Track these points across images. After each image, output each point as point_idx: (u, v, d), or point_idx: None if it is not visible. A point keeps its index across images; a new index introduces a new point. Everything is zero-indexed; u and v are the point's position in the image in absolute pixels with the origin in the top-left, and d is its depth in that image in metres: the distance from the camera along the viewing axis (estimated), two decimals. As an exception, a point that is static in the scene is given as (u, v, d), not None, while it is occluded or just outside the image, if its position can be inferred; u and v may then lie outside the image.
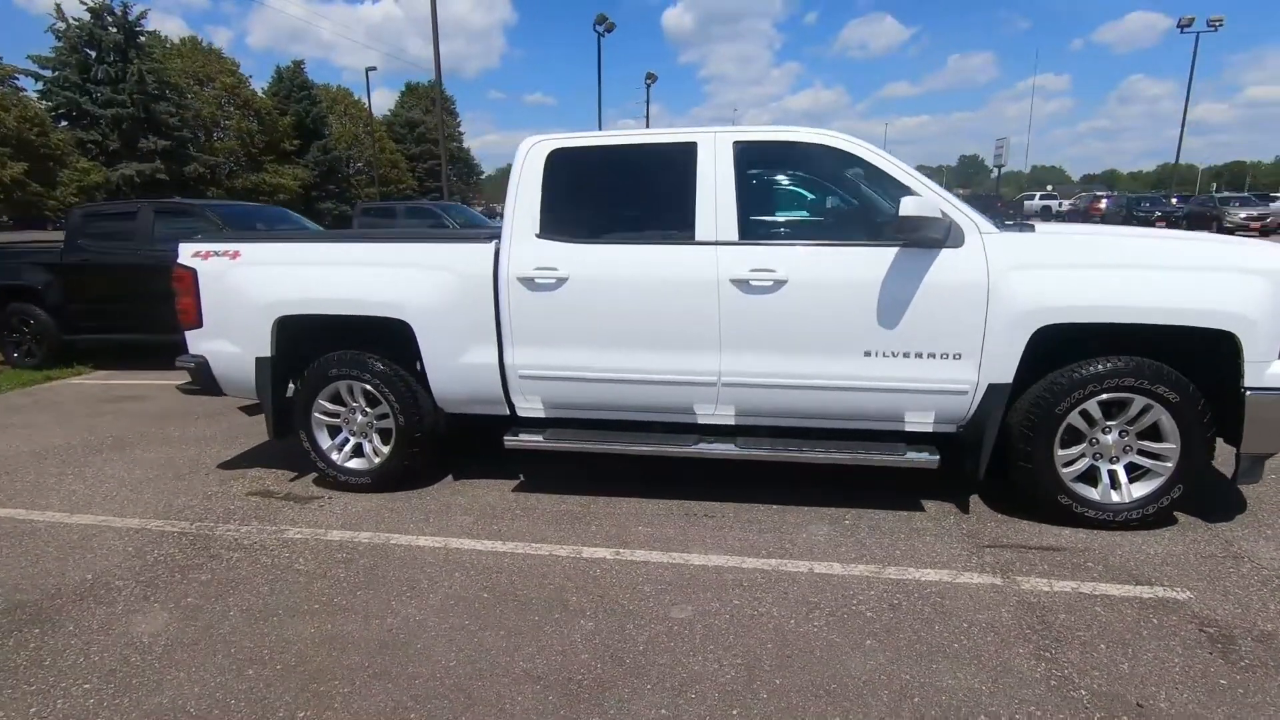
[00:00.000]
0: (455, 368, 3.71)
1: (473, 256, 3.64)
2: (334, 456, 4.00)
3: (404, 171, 50.40)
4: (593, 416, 3.76)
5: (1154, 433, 3.19)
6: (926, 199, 3.10)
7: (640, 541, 3.30)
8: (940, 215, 3.11)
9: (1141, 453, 3.23)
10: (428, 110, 53.66)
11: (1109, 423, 3.22)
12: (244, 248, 3.92)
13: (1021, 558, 3.04)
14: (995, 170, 38.80)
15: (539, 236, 3.58)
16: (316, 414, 3.97)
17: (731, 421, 3.59)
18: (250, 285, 3.87)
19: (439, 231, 4.28)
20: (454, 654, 2.49)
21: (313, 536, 3.45)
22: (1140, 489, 3.23)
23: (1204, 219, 24.85)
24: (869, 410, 3.42)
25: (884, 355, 3.30)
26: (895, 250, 3.24)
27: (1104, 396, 3.15)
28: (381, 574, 3.07)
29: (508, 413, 3.83)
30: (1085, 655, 2.37)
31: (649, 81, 38.79)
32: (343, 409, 3.97)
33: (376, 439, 3.98)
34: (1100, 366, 3.12)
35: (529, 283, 3.55)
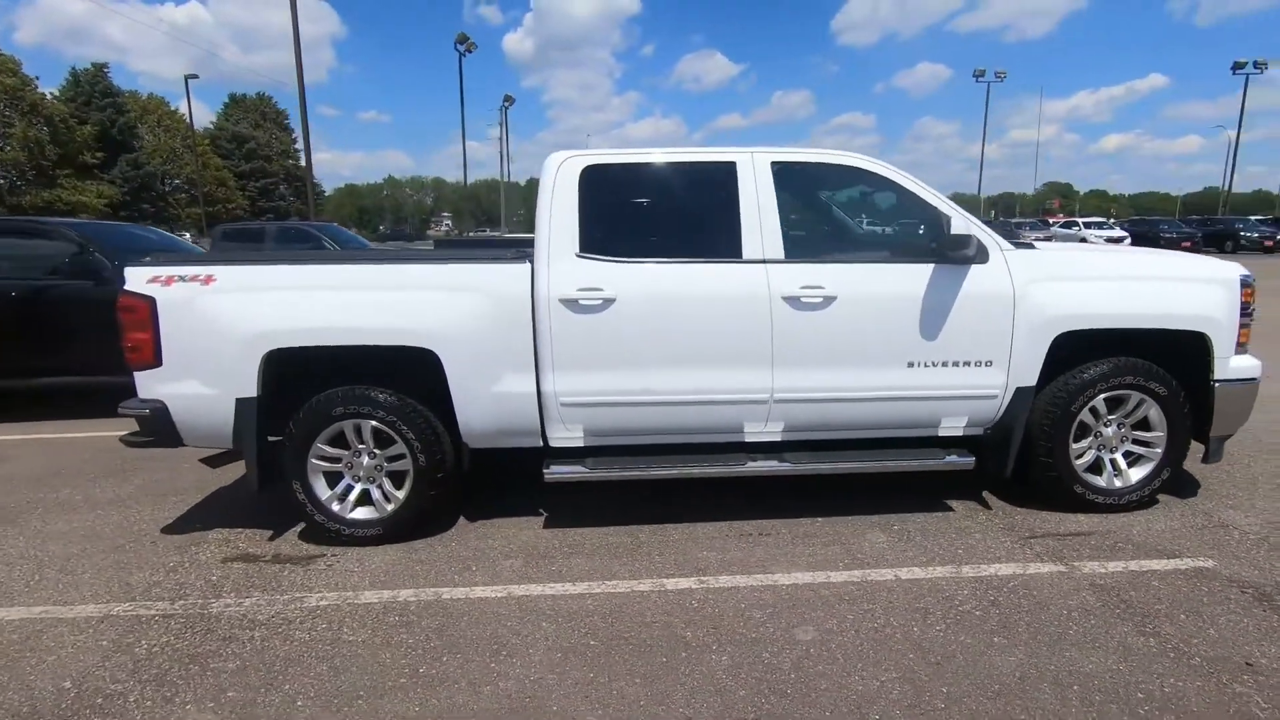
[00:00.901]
0: (487, 399, 3.41)
1: (507, 277, 3.38)
2: (335, 507, 3.51)
3: (233, 190, 45.74)
4: (633, 442, 3.62)
5: (1144, 424, 3.64)
6: (965, 219, 3.34)
7: (715, 567, 3.21)
8: (977, 234, 3.37)
9: (1135, 442, 3.67)
10: (258, 124, 49.37)
11: (1109, 416, 3.63)
12: (220, 271, 3.36)
13: (1064, 545, 3.33)
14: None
15: (579, 255, 3.41)
16: (314, 459, 3.47)
17: (778, 438, 3.61)
18: (230, 315, 3.32)
19: (458, 252, 3.92)
20: (602, 711, 2.26)
21: (343, 601, 3.00)
22: (1136, 474, 3.67)
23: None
24: (910, 419, 3.60)
25: (925, 365, 3.49)
26: (931, 267, 3.46)
27: (1108, 394, 3.55)
28: (457, 634, 2.73)
29: (540, 444, 3.58)
30: (1177, 626, 2.63)
31: (506, 104, 38.45)
32: (345, 452, 3.50)
33: (387, 483, 3.55)
34: (1105, 366, 3.51)
35: (572, 304, 3.36)
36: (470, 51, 27.96)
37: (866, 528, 3.57)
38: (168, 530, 3.80)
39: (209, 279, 3.34)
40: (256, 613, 2.93)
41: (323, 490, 3.50)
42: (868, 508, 3.77)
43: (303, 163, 54.34)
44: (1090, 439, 3.64)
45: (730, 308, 3.41)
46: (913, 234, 3.60)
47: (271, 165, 48.81)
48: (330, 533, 3.51)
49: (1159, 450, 3.63)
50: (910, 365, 3.49)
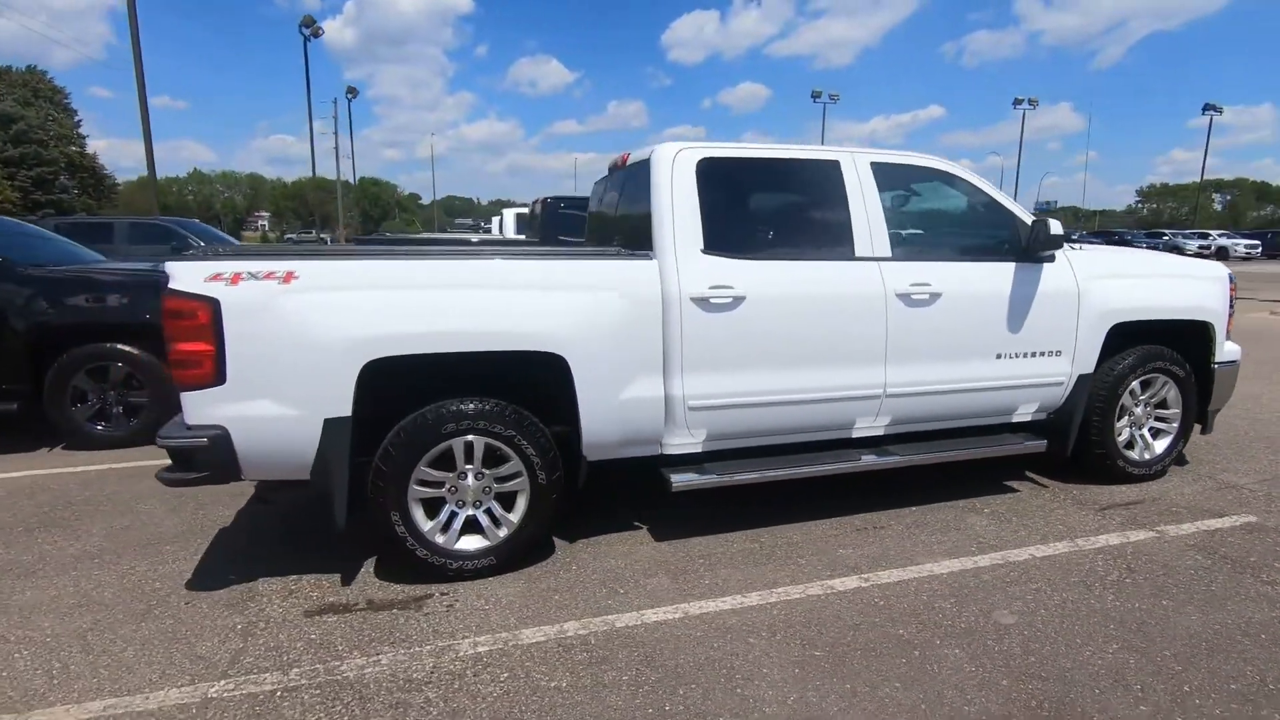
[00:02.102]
0: (615, 406, 3.15)
1: (639, 275, 3.15)
2: (439, 539, 3.05)
3: (-2, 179, 38.07)
4: (748, 445, 3.52)
5: (1163, 403, 4.18)
6: (1057, 223, 3.64)
7: (864, 563, 3.20)
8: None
9: (1157, 419, 4.20)
10: (27, 103, 41.70)
11: (1141, 397, 4.12)
12: (304, 267, 2.79)
13: (1133, 513, 3.73)
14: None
15: (705, 252, 3.26)
16: (415, 485, 2.99)
17: (881, 432, 3.69)
18: (320, 319, 2.78)
19: (580, 248, 3.55)
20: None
21: (506, 644, 2.61)
22: (1159, 446, 4.20)
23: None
24: (994, 407, 3.84)
25: (1011, 356, 3.74)
26: (1013, 265, 3.72)
27: (1143, 378, 4.03)
28: (669, 664, 2.48)
29: (658, 452, 3.37)
30: (1281, 573, 3.05)
31: (350, 96, 35.72)
32: (448, 475, 3.06)
33: (497, 507, 3.15)
34: (1140, 353, 3.98)
35: (704, 303, 3.21)
36: (317, 36, 25.53)
37: (960, 513, 3.76)
38: (194, 587, 3.09)
39: (289, 276, 2.77)
40: (407, 670, 2.47)
41: (423, 520, 3.04)
42: (942, 495, 3.96)
43: (89, 149, 46.65)
44: (1126, 418, 4.11)
45: (850, 305, 3.44)
46: (992, 234, 3.84)
47: (48, 151, 41.25)
48: (433, 568, 3.05)
49: (1175, 425, 4.19)
50: (999, 357, 3.72)
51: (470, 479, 3.09)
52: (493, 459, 3.09)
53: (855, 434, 3.64)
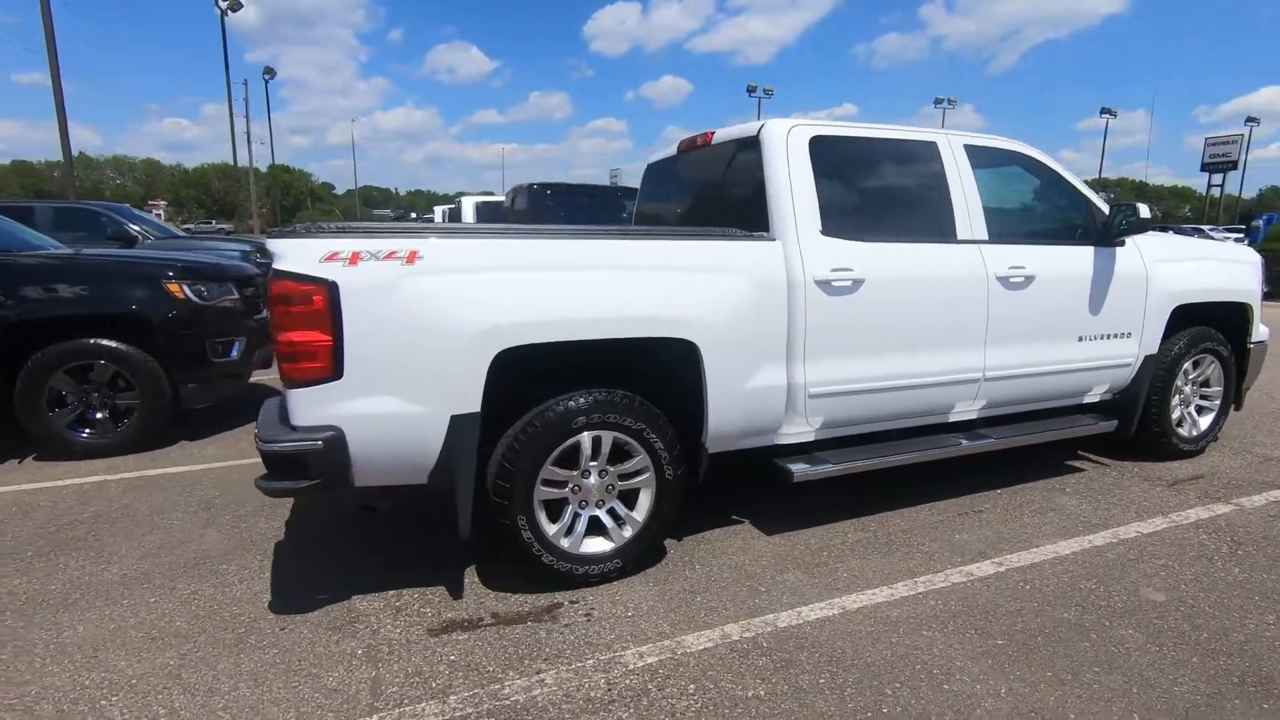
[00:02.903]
0: (741, 394, 2.99)
1: (766, 257, 3.00)
2: (564, 543, 2.82)
3: None
4: (855, 432, 3.43)
5: (1206, 382, 4.38)
6: (1144, 206, 3.71)
7: (988, 548, 3.18)
8: (1137, 219, 3.77)
9: (1201, 397, 4.40)
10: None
11: (1191, 375, 4.30)
12: (427, 246, 2.49)
13: (1200, 488, 3.88)
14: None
15: (823, 234, 3.13)
16: (541, 485, 2.74)
17: (975, 415, 3.68)
18: (449, 304, 2.49)
19: (695, 229, 3.30)
20: (1124, 703, 2.13)
21: (674, 654, 2.42)
22: (1204, 422, 4.40)
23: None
24: (1073, 388, 3.90)
25: (1090, 339, 3.81)
26: (1091, 249, 3.79)
27: (1195, 358, 4.20)
28: (855, 662, 2.36)
29: (772, 442, 3.24)
30: (1368, 538, 3.23)
31: (267, 77, 33.54)
32: (572, 473, 2.82)
33: (620, 505, 2.93)
34: (1191, 334, 4.14)
35: (826, 286, 3.09)
36: (235, 9, 23.65)
37: (1046, 494, 3.81)
38: (282, 609, 2.73)
39: (412, 256, 2.46)
40: (581, 690, 2.24)
41: (547, 524, 2.79)
42: (1017, 477, 4.02)
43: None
44: (1178, 397, 4.28)
45: (957, 289, 3.40)
46: (1071, 217, 3.89)
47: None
48: (560, 575, 2.81)
49: (1217, 403, 4.40)
50: (1080, 339, 3.79)
51: (594, 477, 2.86)
52: (617, 455, 2.87)
53: (953, 418, 3.62)
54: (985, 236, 3.50)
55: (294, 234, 2.41)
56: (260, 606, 2.74)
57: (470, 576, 2.97)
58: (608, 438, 2.81)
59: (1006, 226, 3.70)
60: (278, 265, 2.36)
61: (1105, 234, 3.79)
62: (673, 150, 4.12)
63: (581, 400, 2.72)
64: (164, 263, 4.86)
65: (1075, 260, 3.73)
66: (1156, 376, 4.09)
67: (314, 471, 2.43)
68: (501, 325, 2.53)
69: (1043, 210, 4.04)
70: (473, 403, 2.53)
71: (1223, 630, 2.53)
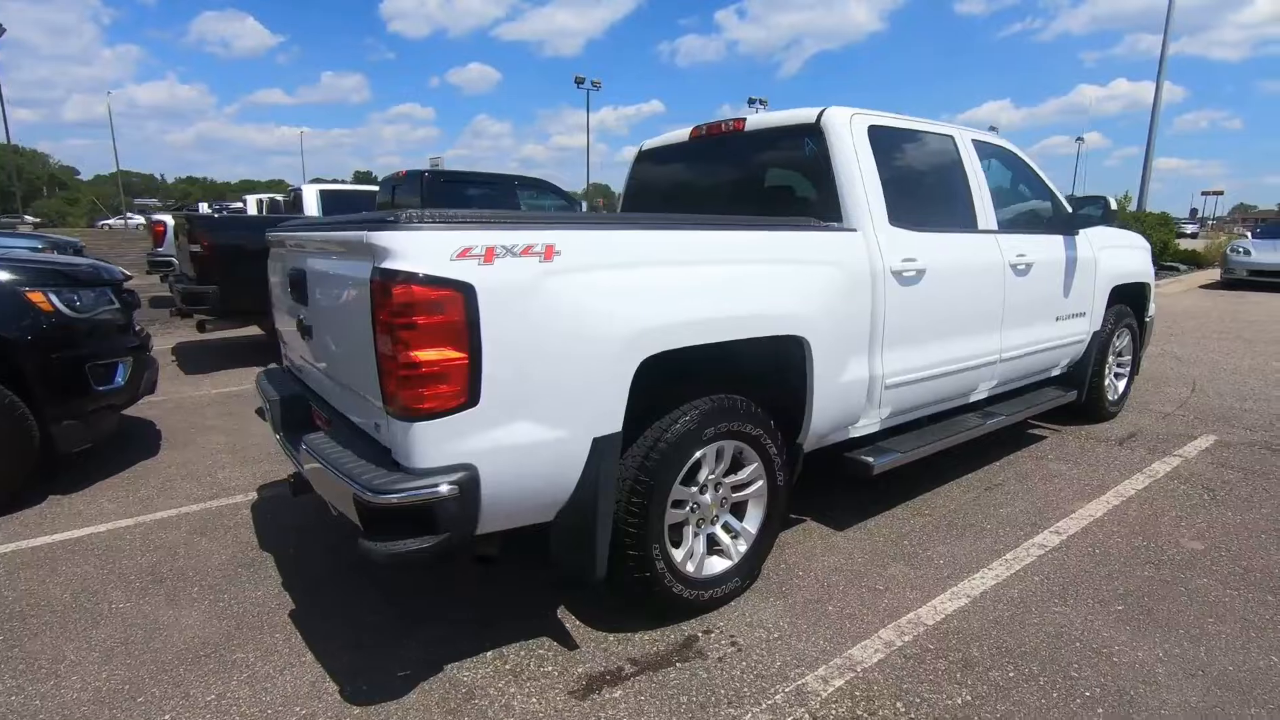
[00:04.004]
0: (837, 390, 2.90)
1: (853, 247, 2.92)
2: (689, 568, 2.54)
3: None
4: (908, 419, 3.49)
5: (1121, 351, 5.06)
6: (1112, 199, 4.15)
7: (1035, 519, 3.38)
8: (1099, 210, 4.22)
9: (1118, 364, 5.08)
10: None
11: (1118, 346, 4.94)
12: (563, 239, 2.08)
13: (1145, 444, 4.47)
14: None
15: (891, 224, 3.13)
16: (670, 507, 2.45)
17: (987, 395, 3.91)
18: (591, 306, 2.11)
19: (779, 219, 3.00)
20: (1261, 642, 2.35)
21: (855, 670, 2.27)
22: (1121, 385, 5.09)
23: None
24: (1049, 364, 4.30)
25: (1062, 318, 4.22)
26: (1061, 237, 4.19)
27: (1119, 331, 4.84)
28: (1017, 645, 2.38)
29: (846, 436, 3.19)
30: (1290, 475, 3.91)
31: (-5, 33, 27.21)
32: (692, 490, 2.55)
33: (732, 519, 2.71)
34: (1117, 310, 4.77)
35: (899, 276, 3.09)
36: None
37: (1037, 462, 4.17)
38: (372, 698, 2.18)
39: (549, 251, 2.05)
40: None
41: (672, 550, 2.50)
42: (999, 451, 4.35)
43: None
44: (1106, 366, 4.90)
45: (987, 275, 3.58)
46: (1043, 209, 4.26)
47: None
48: (686, 604, 2.53)
49: (1129, 369, 5.11)
50: (1057, 319, 4.18)
51: (709, 492, 2.61)
52: (731, 464, 2.65)
53: (973, 398, 3.82)
54: (995, 227, 3.72)
55: (408, 223, 1.88)
56: (334, 700, 2.16)
57: (569, 620, 2.58)
58: (729, 447, 2.58)
59: (1004, 217, 3.96)
60: (390, 264, 1.84)
61: (1071, 223, 4.20)
62: (679, 137, 3.91)
63: (707, 408, 2.46)
64: (18, 265, 3.69)
65: (1056, 248, 4.10)
66: (1100, 349, 4.65)
67: (443, 524, 1.94)
68: (650, 329, 2.20)
69: (1025, 201, 4.39)
70: (615, 421, 2.18)
71: (1266, 568, 2.91)
